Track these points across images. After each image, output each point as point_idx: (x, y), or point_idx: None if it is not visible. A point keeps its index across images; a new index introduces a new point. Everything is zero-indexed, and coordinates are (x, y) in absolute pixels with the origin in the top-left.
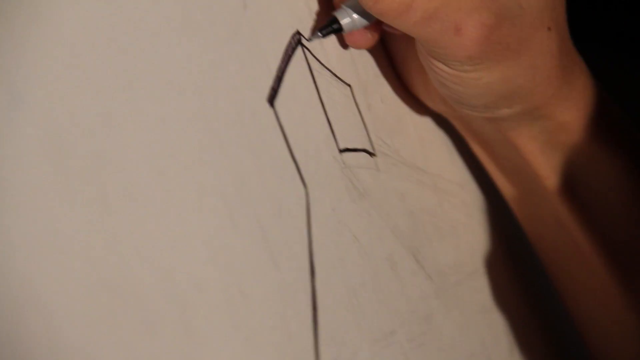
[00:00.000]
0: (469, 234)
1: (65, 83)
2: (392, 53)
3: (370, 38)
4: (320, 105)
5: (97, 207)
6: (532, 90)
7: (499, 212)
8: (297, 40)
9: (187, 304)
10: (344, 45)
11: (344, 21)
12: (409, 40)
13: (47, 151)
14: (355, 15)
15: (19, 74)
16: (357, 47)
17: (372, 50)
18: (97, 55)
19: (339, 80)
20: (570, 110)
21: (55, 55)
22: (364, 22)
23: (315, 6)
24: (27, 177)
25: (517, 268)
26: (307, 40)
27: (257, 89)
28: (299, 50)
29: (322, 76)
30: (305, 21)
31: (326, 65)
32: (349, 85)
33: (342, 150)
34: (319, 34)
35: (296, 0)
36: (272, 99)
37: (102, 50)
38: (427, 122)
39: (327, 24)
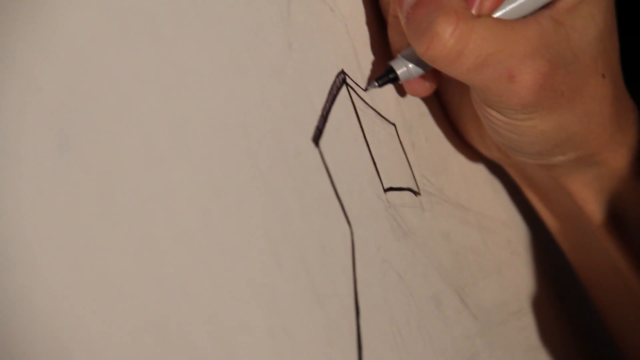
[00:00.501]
0: (513, 272)
1: (112, 126)
2: (446, 101)
3: (428, 87)
4: (365, 144)
5: (144, 248)
6: (587, 138)
7: (543, 250)
8: (342, 80)
9: (232, 344)
10: (401, 92)
11: (400, 71)
12: (463, 88)
13: (95, 194)
14: (410, 65)
15: (66, 117)
16: (416, 95)
17: None
18: (144, 96)
19: (383, 119)
20: (624, 156)
21: (102, 98)
22: (419, 70)
23: (360, 46)
24: (75, 220)
25: (563, 306)
26: (363, 90)
27: (302, 129)
28: (343, 90)
29: (366, 115)
30: (350, 61)
31: (370, 104)
32: (394, 124)
33: (386, 189)
34: (376, 83)
35: (341, 40)
36: (317, 138)
37: (148, 92)
38: (470, 161)
39: (383, 74)
